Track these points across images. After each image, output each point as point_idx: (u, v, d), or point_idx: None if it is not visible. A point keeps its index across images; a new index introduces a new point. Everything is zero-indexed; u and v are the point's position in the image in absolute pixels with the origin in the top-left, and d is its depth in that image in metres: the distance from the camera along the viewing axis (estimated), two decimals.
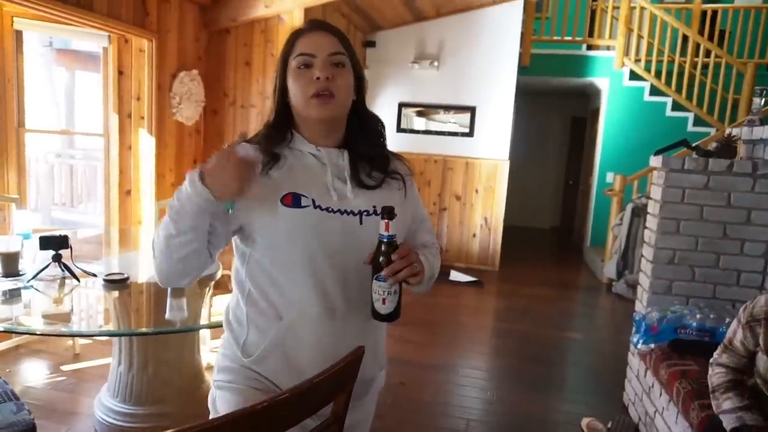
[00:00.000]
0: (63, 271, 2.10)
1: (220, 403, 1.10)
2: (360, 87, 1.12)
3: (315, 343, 1.05)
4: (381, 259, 0.97)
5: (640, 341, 2.55)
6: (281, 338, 1.06)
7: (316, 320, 1.05)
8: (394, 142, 5.76)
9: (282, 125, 1.10)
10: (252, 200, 1.02)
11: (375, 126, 1.15)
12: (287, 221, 1.02)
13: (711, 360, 1.76)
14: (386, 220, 0.96)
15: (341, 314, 1.06)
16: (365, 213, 1.06)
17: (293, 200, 1.02)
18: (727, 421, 1.56)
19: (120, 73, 3.76)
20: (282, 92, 1.09)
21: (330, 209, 1.03)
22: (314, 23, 1.10)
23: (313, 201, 1.03)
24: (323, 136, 1.10)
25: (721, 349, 1.74)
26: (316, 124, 1.08)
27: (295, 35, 1.09)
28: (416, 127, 5.88)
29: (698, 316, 2.44)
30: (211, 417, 1.12)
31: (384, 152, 1.16)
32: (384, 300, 0.98)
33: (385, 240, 0.97)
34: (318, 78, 1.03)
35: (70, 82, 6.93)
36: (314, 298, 1.04)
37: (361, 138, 1.13)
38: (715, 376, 1.69)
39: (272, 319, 1.07)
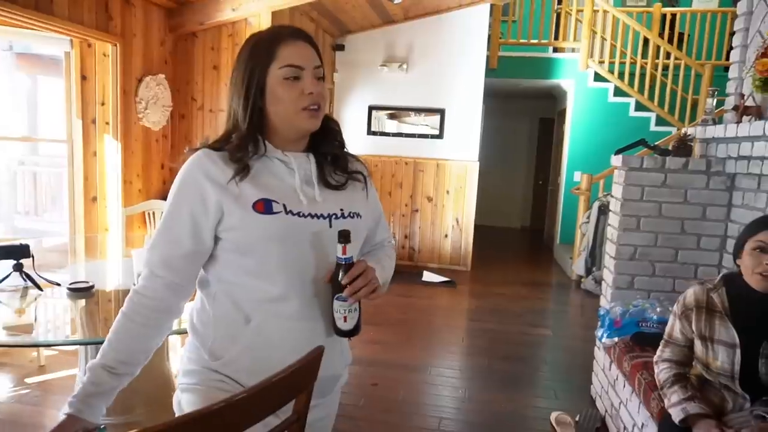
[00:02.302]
0: (25, 280, 2.06)
1: (185, 405, 1.10)
2: None
3: (285, 345, 1.06)
4: (340, 279, 1.02)
5: (605, 335, 2.63)
6: (251, 341, 1.06)
7: (287, 322, 1.06)
8: (364, 144, 5.84)
9: (254, 134, 1.07)
10: (224, 210, 1.03)
11: (333, 125, 1.17)
12: (259, 227, 1.02)
13: (655, 358, 1.88)
14: (343, 244, 1.01)
15: (311, 315, 1.08)
16: (334, 216, 1.09)
17: (265, 206, 1.03)
18: (675, 414, 1.67)
19: (83, 77, 3.69)
20: (256, 99, 1.06)
21: (301, 213, 1.05)
22: (297, 32, 1.08)
23: (284, 206, 1.04)
24: (293, 142, 1.11)
25: (662, 345, 1.87)
26: (295, 134, 1.10)
27: (276, 42, 1.06)
28: (387, 130, 5.92)
29: (659, 309, 2.53)
30: None
31: (344, 150, 1.19)
32: (345, 318, 1.04)
33: (343, 263, 1.02)
34: (311, 93, 1.05)
35: (32, 88, 6.76)
36: (285, 301, 1.06)
37: (326, 139, 1.15)
38: (661, 372, 1.81)
39: (240, 322, 1.07)
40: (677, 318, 1.81)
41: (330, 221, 1.08)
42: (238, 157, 1.04)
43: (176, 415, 1.14)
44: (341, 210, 1.10)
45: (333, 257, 1.05)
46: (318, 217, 1.07)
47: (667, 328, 1.86)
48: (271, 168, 1.08)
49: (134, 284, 1.09)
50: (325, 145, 1.15)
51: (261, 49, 1.06)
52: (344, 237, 1.01)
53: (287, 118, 1.07)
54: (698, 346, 1.74)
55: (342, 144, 1.18)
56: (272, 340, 1.06)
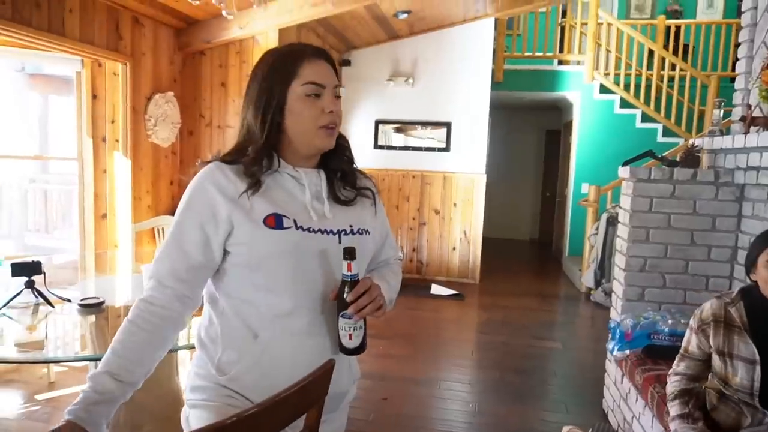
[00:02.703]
0: (36, 297, 2.07)
1: (194, 421, 1.10)
2: None
3: (293, 361, 1.06)
4: (345, 297, 1.01)
5: (616, 348, 2.60)
6: (258, 357, 1.06)
7: (295, 338, 1.07)
8: (371, 158, 5.86)
9: (270, 150, 1.08)
10: (234, 223, 1.04)
11: (342, 142, 1.18)
12: (269, 242, 1.03)
13: (669, 371, 1.85)
14: (348, 261, 1.01)
15: (319, 331, 1.08)
16: (343, 232, 1.09)
17: (276, 221, 1.04)
18: (672, 429, 1.67)
19: (94, 96, 3.75)
20: (276, 114, 1.07)
21: (311, 229, 1.06)
22: (318, 51, 1.10)
23: (295, 222, 1.05)
24: (306, 158, 1.12)
25: (678, 358, 1.85)
26: (309, 150, 1.11)
27: (298, 60, 1.07)
28: (394, 144, 5.94)
29: (670, 321, 2.51)
30: None
31: (353, 166, 1.20)
32: (350, 335, 1.03)
33: (348, 280, 1.02)
34: (330, 111, 1.07)
35: (44, 107, 6.86)
36: (293, 317, 1.06)
37: (336, 156, 1.16)
38: (671, 385, 1.81)
39: (247, 338, 1.07)
40: (694, 332, 1.78)
41: (339, 237, 1.09)
42: (253, 171, 1.05)
43: (183, 431, 1.14)
44: (350, 226, 1.11)
45: (338, 274, 1.05)
46: (327, 233, 1.08)
47: (684, 342, 1.84)
48: (282, 183, 1.09)
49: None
50: (335, 161, 1.16)
51: (282, 66, 1.07)
52: (349, 254, 1.01)
53: (305, 135, 1.08)
54: (716, 361, 1.72)
55: (351, 160, 1.19)
56: (280, 357, 1.06)
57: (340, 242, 1.08)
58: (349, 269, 1.01)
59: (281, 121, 1.08)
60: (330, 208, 1.11)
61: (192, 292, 1.08)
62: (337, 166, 1.16)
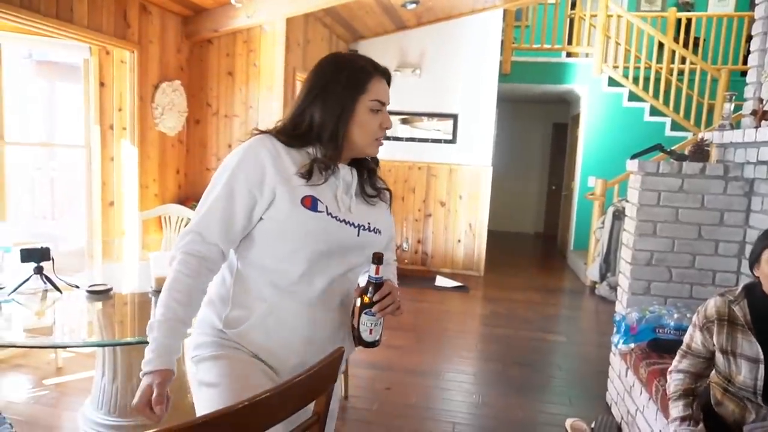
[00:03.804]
0: (45, 283, 2.09)
1: (203, 374, 1.15)
2: None
3: (295, 327, 1.16)
4: (370, 296, 1.13)
5: (621, 341, 2.60)
6: (265, 318, 1.15)
7: (303, 307, 1.16)
8: None
9: (340, 149, 1.19)
10: (276, 196, 1.12)
11: None
12: (302, 221, 1.12)
13: (670, 368, 1.83)
14: (377, 265, 1.13)
15: (322, 306, 1.19)
16: (362, 227, 1.21)
17: (312, 203, 1.14)
18: (672, 430, 1.66)
19: (101, 84, 3.75)
20: (346, 122, 1.18)
21: (338, 218, 1.17)
22: (385, 71, 1.24)
23: (327, 207, 1.15)
24: (347, 157, 1.25)
25: (680, 355, 1.82)
26: (359, 155, 1.25)
27: (368, 76, 1.20)
28: (400, 135, 5.93)
29: (676, 315, 2.50)
30: (195, 396, 1.18)
31: (377, 168, 1.33)
32: (371, 330, 1.15)
33: (374, 282, 1.13)
34: (387, 127, 1.22)
35: (51, 95, 6.87)
36: (305, 288, 1.16)
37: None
38: (673, 383, 1.78)
39: (258, 300, 1.16)
40: (698, 329, 1.75)
41: (359, 231, 1.20)
42: (316, 168, 1.16)
43: (195, 392, 1.16)
44: (368, 223, 1.23)
45: (352, 259, 1.20)
46: (350, 225, 1.19)
47: (686, 339, 1.81)
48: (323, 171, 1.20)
49: (181, 252, 1.13)
50: (364, 161, 1.28)
51: (356, 79, 1.19)
52: (378, 259, 1.13)
53: (362, 142, 1.21)
54: (720, 359, 1.70)
55: (377, 161, 1.32)
56: (285, 322, 1.15)
57: (358, 235, 1.20)
58: (377, 272, 1.12)
59: (347, 129, 1.19)
60: (355, 204, 1.22)
61: (229, 250, 1.17)
62: (365, 164, 1.28)
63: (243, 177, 1.12)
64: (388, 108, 1.25)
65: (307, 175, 1.14)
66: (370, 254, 1.18)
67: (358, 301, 1.17)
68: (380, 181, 1.34)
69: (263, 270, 1.16)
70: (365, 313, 1.13)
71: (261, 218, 1.15)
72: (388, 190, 1.35)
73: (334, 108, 1.17)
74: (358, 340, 1.16)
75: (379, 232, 1.25)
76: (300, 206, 1.12)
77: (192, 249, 1.12)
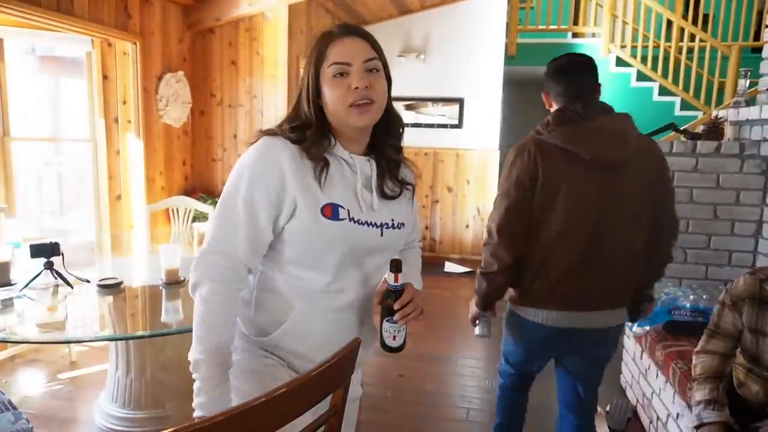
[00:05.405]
0: (55, 278, 2.09)
1: (238, 383, 1.09)
2: (389, 89, 1.15)
3: (320, 329, 1.13)
4: (391, 304, 1.10)
5: (635, 324, 2.57)
6: (292, 323, 1.11)
7: (330, 313, 1.13)
8: None
9: (323, 130, 1.10)
10: (297, 206, 1.05)
11: (398, 129, 1.20)
12: (325, 232, 1.06)
13: (697, 348, 1.77)
14: (395, 273, 1.08)
15: (351, 309, 1.15)
16: (385, 226, 1.14)
17: (332, 212, 1.07)
18: (691, 419, 1.61)
19: (105, 77, 3.73)
20: (314, 100, 1.09)
21: (360, 221, 1.10)
22: (345, 28, 1.10)
23: (348, 212, 1.08)
24: (354, 141, 1.14)
25: (707, 335, 1.75)
26: (351, 131, 1.11)
27: (326, 42, 1.08)
28: (405, 121, 5.82)
29: (692, 297, 2.47)
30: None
31: (400, 156, 1.22)
32: (394, 337, 1.14)
33: (394, 290, 1.10)
34: (356, 88, 1.04)
35: (55, 89, 6.86)
36: (331, 294, 1.12)
37: (386, 142, 1.17)
38: (700, 365, 1.71)
39: (283, 306, 1.12)
40: (726, 308, 1.69)
41: (381, 231, 1.14)
42: (314, 154, 1.07)
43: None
44: (392, 220, 1.16)
45: (377, 261, 1.14)
46: (372, 226, 1.12)
47: (713, 318, 1.74)
48: (338, 168, 1.11)
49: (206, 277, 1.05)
50: (388, 149, 1.18)
51: (315, 51, 1.09)
52: (396, 267, 1.08)
53: (338, 116, 1.08)
54: (747, 338, 1.64)
55: (400, 149, 1.21)
56: (312, 329, 1.12)
57: (381, 235, 1.13)
58: (396, 280, 1.09)
59: (322, 104, 1.09)
60: (377, 200, 1.14)
61: (256, 266, 1.12)
62: (389, 155, 1.18)
63: (263, 188, 1.04)
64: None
65: (323, 168, 1.07)
66: (394, 251, 1.15)
67: (379, 308, 1.15)
68: (406, 170, 1.24)
69: (286, 276, 1.11)
70: (387, 321, 1.12)
71: (283, 227, 1.08)
72: (413, 185, 1.25)
73: (304, 88, 1.10)
74: (383, 347, 1.15)
75: (403, 226, 1.19)
76: (321, 216, 1.05)
77: (218, 275, 1.03)
